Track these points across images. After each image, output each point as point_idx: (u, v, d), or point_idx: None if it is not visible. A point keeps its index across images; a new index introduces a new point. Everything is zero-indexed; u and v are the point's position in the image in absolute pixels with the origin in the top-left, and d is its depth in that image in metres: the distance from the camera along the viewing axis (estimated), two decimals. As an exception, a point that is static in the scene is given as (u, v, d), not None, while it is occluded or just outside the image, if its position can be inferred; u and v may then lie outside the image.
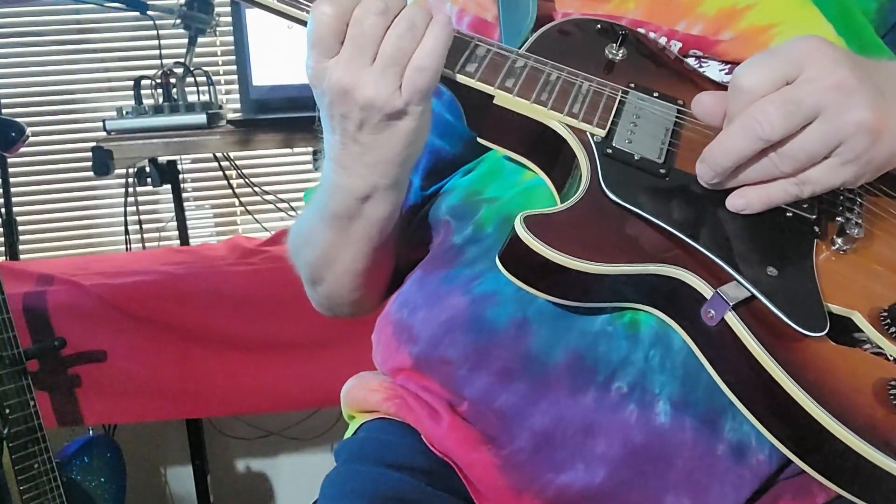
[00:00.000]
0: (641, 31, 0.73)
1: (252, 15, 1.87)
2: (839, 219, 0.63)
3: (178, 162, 2.00)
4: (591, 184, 0.61)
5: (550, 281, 0.59)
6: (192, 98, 1.87)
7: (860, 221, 0.63)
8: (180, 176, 2.02)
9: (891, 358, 0.57)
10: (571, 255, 0.57)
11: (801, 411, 0.53)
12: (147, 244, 2.20)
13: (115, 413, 1.60)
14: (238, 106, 2.03)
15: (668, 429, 0.62)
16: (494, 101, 0.65)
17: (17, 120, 1.52)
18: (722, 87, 0.69)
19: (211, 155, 2.17)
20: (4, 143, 1.49)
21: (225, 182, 2.24)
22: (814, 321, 0.56)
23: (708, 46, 0.72)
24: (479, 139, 0.69)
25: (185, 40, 1.84)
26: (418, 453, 0.71)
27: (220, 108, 1.86)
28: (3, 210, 1.89)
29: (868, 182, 0.59)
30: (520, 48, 0.69)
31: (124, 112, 1.73)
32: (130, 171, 2.04)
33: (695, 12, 0.72)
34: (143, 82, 1.83)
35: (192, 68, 1.86)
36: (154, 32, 1.99)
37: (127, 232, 2.13)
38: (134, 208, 2.16)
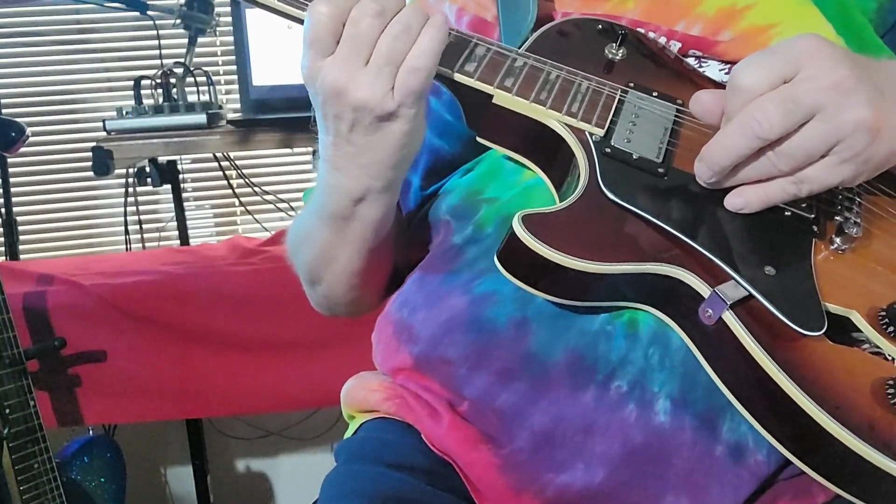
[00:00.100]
0: (641, 30, 0.73)
1: (252, 15, 1.87)
2: (838, 218, 0.63)
3: (178, 162, 2.00)
4: (589, 183, 0.61)
5: (549, 280, 0.59)
6: (192, 98, 1.87)
7: (859, 221, 0.63)
8: (180, 176, 2.02)
9: (889, 357, 0.57)
10: (569, 255, 0.57)
11: (798, 411, 0.53)
12: (147, 244, 2.20)
13: (115, 413, 1.60)
14: (238, 106, 2.03)
15: (668, 428, 0.62)
16: (493, 101, 0.65)
17: (17, 120, 1.52)
18: (721, 86, 0.69)
19: (211, 155, 2.17)
20: (4, 143, 1.49)
21: (225, 182, 2.24)
22: (812, 320, 0.56)
23: (707, 46, 0.72)
24: (478, 138, 0.69)
25: (185, 40, 1.84)
26: (418, 453, 0.71)
27: (220, 108, 1.86)
28: (3, 210, 1.89)
29: (866, 181, 0.59)
30: (519, 48, 0.69)
31: (124, 112, 1.73)
32: (130, 171, 2.04)
33: (694, 12, 0.72)
34: (143, 82, 1.82)
35: (192, 68, 1.86)
36: (154, 32, 1.99)
37: (127, 232, 2.13)
38: (134, 208, 2.16)
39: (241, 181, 2.24)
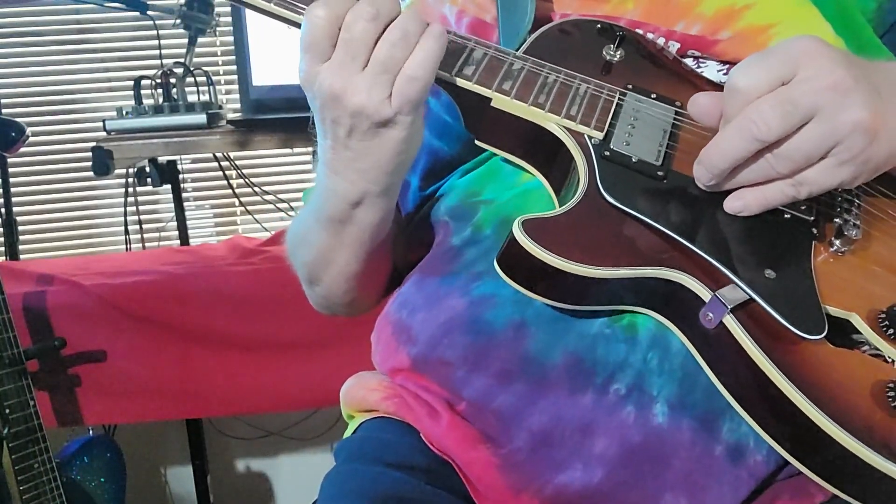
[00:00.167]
0: (640, 31, 0.73)
1: (252, 15, 1.85)
2: (837, 220, 0.63)
3: (178, 162, 2.00)
4: (588, 187, 0.61)
5: (548, 284, 0.59)
6: (192, 98, 1.87)
7: (858, 223, 0.63)
8: (180, 176, 2.02)
9: (889, 360, 0.57)
10: (569, 259, 0.57)
11: (798, 414, 0.53)
12: (147, 244, 2.20)
13: (115, 413, 1.60)
14: (238, 106, 2.03)
15: (666, 429, 0.62)
16: (492, 104, 0.65)
17: (17, 120, 1.51)
18: (720, 87, 0.69)
19: (211, 155, 2.17)
20: (4, 143, 1.49)
21: (225, 182, 2.24)
22: (812, 324, 0.56)
23: (706, 46, 0.72)
24: (476, 142, 0.69)
25: (185, 40, 1.84)
26: (417, 452, 0.71)
27: (220, 108, 1.86)
28: (3, 210, 1.89)
29: (865, 183, 0.59)
30: (518, 49, 0.69)
31: (124, 112, 1.73)
32: (130, 171, 2.04)
33: (693, 12, 0.72)
34: (143, 82, 1.82)
35: (192, 68, 1.86)
36: (154, 32, 1.99)
37: (127, 232, 2.13)
38: (134, 208, 2.16)
39: (241, 181, 2.24)
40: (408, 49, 0.57)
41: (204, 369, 1.56)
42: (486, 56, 0.65)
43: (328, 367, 1.54)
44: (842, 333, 0.58)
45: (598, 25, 0.72)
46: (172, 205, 2.04)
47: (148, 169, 1.88)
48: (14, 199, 1.94)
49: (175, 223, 2.07)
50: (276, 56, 1.87)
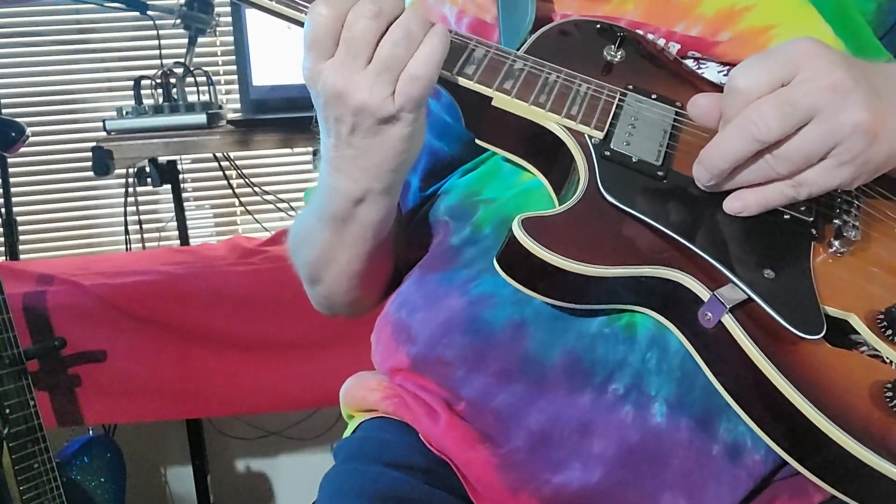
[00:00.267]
0: (640, 32, 0.73)
1: (252, 15, 1.87)
2: (836, 221, 0.63)
3: (178, 162, 2.00)
4: (588, 186, 0.61)
5: (547, 283, 0.59)
6: (192, 98, 1.87)
7: (857, 224, 0.63)
8: (180, 176, 2.02)
9: (887, 360, 0.57)
10: (569, 258, 0.57)
11: (796, 414, 0.53)
12: (147, 244, 2.20)
13: (115, 413, 1.60)
14: (238, 106, 2.03)
15: (664, 429, 0.62)
16: (493, 103, 0.65)
17: (17, 120, 1.51)
18: (720, 88, 0.69)
19: (211, 155, 2.17)
20: (4, 143, 1.49)
21: (225, 182, 2.24)
22: (810, 324, 0.56)
23: (706, 48, 0.72)
24: (477, 141, 0.70)
25: (185, 40, 1.84)
26: (416, 452, 0.71)
27: (220, 108, 1.86)
28: (3, 210, 1.89)
29: (865, 184, 0.59)
30: (518, 49, 0.69)
31: (124, 112, 1.73)
32: (130, 171, 2.04)
33: (693, 13, 0.72)
34: (143, 82, 1.82)
35: (192, 68, 1.86)
36: (154, 32, 1.99)
37: (127, 232, 2.13)
38: (134, 208, 2.16)
39: (241, 181, 2.24)
40: (411, 48, 0.57)
41: (204, 369, 1.56)
42: (487, 55, 0.66)
43: (328, 367, 1.54)
44: (840, 334, 0.59)
45: (599, 26, 0.72)
46: (172, 205, 2.05)
47: (148, 169, 1.88)
48: (14, 199, 1.94)
49: (175, 223, 2.07)
50: (276, 56, 1.87)
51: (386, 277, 0.83)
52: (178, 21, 1.75)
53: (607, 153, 0.63)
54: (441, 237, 0.76)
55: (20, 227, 1.96)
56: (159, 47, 2.00)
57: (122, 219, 2.12)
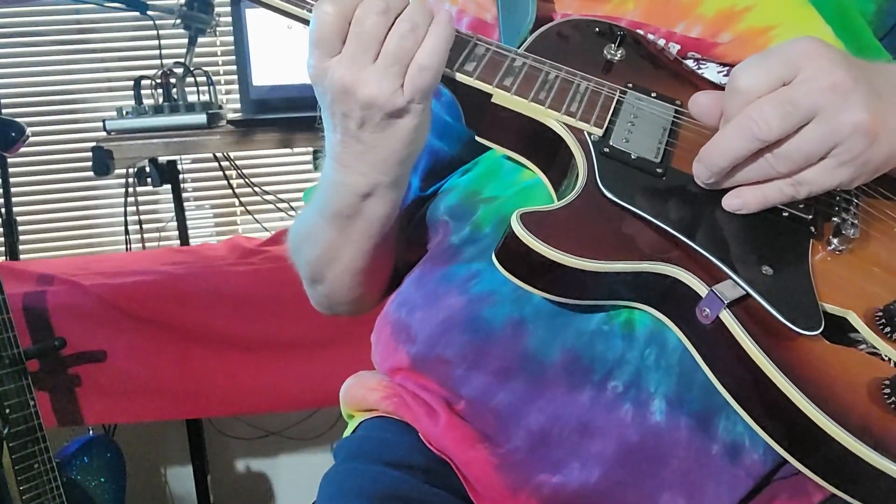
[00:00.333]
0: (640, 32, 0.73)
1: (252, 15, 1.87)
2: (835, 219, 0.63)
3: (178, 162, 2.00)
4: (587, 182, 0.62)
5: (546, 278, 0.59)
6: (192, 98, 1.87)
7: (856, 222, 0.64)
8: (180, 176, 2.02)
9: (885, 358, 0.57)
10: (567, 252, 0.57)
11: (795, 410, 0.53)
12: (147, 244, 2.20)
13: (115, 413, 1.60)
14: (238, 106, 2.03)
15: (664, 428, 0.62)
16: (492, 100, 0.65)
17: (17, 120, 1.52)
18: (720, 88, 0.70)
19: (211, 155, 2.17)
20: (4, 143, 1.49)
21: (225, 182, 2.24)
22: (809, 320, 0.56)
23: (706, 48, 0.72)
24: (477, 138, 0.70)
25: (185, 40, 1.84)
26: (416, 451, 0.71)
27: (220, 108, 1.86)
28: (3, 210, 1.89)
29: (864, 183, 0.59)
30: (519, 48, 0.69)
31: (124, 112, 1.73)
32: (130, 171, 2.04)
33: (694, 14, 0.73)
34: (143, 82, 1.83)
35: (192, 68, 1.86)
36: (154, 32, 1.99)
37: (127, 232, 2.13)
38: (134, 208, 2.16)
39: (241, 181, 2.25)
40: (417, 40, 0.58)
41: (204, 369, 1.56)
42: (487, 52, 0.66)
43: (328, 367, 1.54)
44: (839, 332, 0.59)
45: (599, 26, 0.73)
46: (172, 205, 2.05)
47: (148, 169, 1.89)
48: (14, 199, 1.94)
49: (175, 223, 2.08)
50: (276, 56, 1.87)
51: (387, 275, 0.83)
52: (178, 21, 1.75)
53: (606, 150, 0.63)
54: (441, 236, 0.76)
55: (20, 227, 1.97)
56: (159, 47, 2.00)
57: (122, 219, 2.12)
